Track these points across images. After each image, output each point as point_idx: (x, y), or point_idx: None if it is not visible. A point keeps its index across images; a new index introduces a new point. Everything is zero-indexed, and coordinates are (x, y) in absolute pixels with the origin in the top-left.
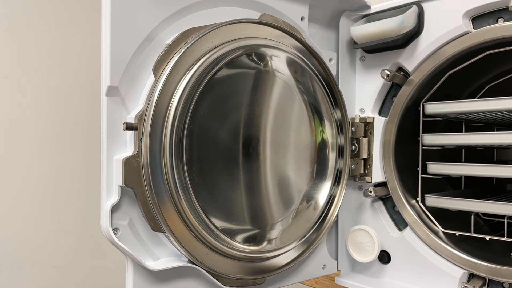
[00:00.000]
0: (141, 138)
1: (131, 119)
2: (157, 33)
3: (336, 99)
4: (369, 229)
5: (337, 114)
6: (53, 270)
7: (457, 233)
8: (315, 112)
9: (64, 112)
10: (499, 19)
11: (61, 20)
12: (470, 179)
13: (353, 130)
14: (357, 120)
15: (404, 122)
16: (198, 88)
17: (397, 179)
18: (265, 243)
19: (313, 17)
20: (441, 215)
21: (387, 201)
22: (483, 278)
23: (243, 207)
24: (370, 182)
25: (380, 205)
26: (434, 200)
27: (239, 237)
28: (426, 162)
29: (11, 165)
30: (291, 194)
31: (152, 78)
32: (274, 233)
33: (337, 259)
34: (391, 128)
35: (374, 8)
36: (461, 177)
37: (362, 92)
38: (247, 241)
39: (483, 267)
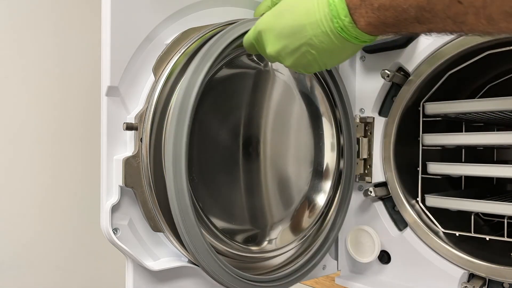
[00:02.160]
0: (141, 138)
1: (131, 119)
2: (157, 33)
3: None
4: (369, 229)
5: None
6: (53, 270)
7: (457, 233)
8: (315, 112)
9: (64, 112)
10: None
11: (61, 20)
12: (470, 179)
13: None
14: (357, 120)
15: (404, 122)
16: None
17: (397, 179)
18: (265, 243)
19: None
20: (441, 215)
21: (387, 201)
22: (483, 278)
23: (243, 207)
24: (370, 182)
25: (380, 205)
26: (434, 200)
27: (239, 237)
28: (426, 162)
29: (11, 165)
30: (291, 194)
31: (152, 78)
32: (274, 233)
33: (337, 259)
34: (391, 128)
35: None
36: (461, 177)
37: (362, 92)
38: (247, 241)
39: (483, 267)
